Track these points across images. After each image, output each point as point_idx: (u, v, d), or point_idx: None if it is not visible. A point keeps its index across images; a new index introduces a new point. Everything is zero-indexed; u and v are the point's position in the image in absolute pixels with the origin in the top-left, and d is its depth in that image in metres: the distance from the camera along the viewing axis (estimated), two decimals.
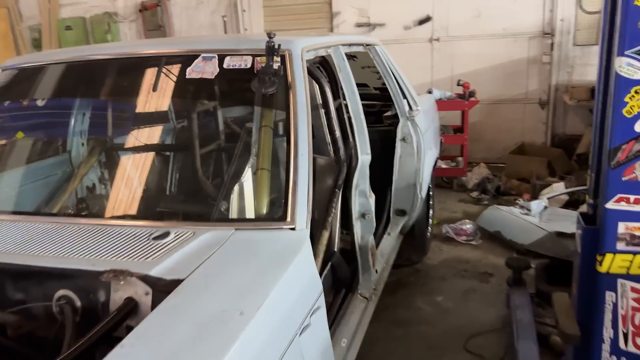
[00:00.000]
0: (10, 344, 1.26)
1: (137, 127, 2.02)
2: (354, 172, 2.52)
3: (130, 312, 1.23)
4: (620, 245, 1.62)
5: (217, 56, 1.94)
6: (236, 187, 1.62)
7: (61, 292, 1.31)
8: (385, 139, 3.42)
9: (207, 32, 6.91)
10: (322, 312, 1.46)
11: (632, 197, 1.57)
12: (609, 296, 1.69)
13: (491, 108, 6.13)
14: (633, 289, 1.65)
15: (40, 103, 1.94)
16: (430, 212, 4.10)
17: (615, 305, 1.68)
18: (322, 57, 2.46)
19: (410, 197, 3.35)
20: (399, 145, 3.36)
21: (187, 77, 1.91)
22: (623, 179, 1.57)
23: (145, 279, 1.27)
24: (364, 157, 2.56)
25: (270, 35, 1.84)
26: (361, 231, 2.59)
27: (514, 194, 5.21)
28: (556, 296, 1.97)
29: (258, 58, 1.90)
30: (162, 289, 1.24)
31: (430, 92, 5.31)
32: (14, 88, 2.16)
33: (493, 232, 4.26)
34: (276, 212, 1.58)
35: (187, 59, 1.95)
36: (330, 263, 2.45)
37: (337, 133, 2.41)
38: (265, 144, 1.76)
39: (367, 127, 3.82)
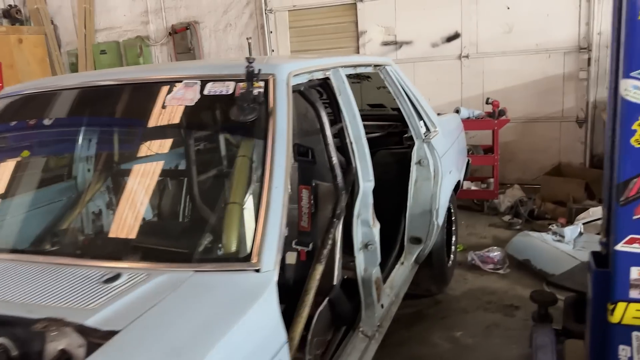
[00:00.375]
0: None
1: (103, 160, 1.96)
2: (356, 200, 2.38)
3: None
4: (634, 293, 1.40)
5: (199, 82, 1.86)
6: (201, 224, 1.50)
7: None
8: (402, 162, 3.26)
9: (235, 54, 6.95)
10: None
11: None
12: (623, 350, 1.47)
13: (525, 127, 5.85)
14: None
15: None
16: (453, 238, 3.88)
17: None
18: (323, 79, 2.35)
19: (426, 224, 3.16)
20: (414, 169, 3.19)
21: (166, 104, 1.83)
22: (634, 217, 1.37)
23: (81, 330, 1.17)
24: (366, 184, 2.42)
25: (249, 60, 1.74)
26: (364, 263, 2.43)
27: (549, 218, 4.90)
28: (569, 344, 1.75)
29: (240, 84, 1.81)
30: (96, 341, 1.14)
31: (457, 111, 5.11)
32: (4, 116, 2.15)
33: (522, 261, 3.99)
34: (242, 252, 1.46)
35: (169, 86, 1.88)
36: (327, 298, 2.30)
37: (334, 159, 2.27)
38: (240, 175, 1.65)
39: (387, 149, 3.72)
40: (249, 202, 1.55)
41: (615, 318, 1.45)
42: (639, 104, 1.31)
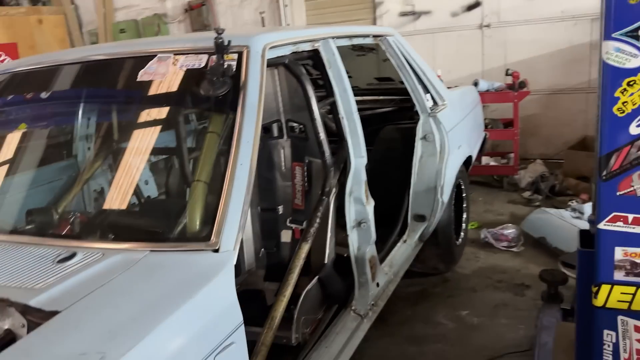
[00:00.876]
0: None
1: (71, 138, 1.94)
2: (348, 177, 2.31)
3: (7, 345, 1.12)
4: (619, 275, 1.29)
5: (172, 56, 1.81)
6: (163, 203, 1.46)
7: None
8: (409, 138, 3.15)
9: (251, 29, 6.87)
10: (237, 350, 1.27)
11: (630, 217, 1.25)
12: (608, 335, 1.37)
13: (549, 99, 5.60)
14: (637, 328, 1.32)
15: None
16: (464, 215, 3.75)
17: (616, 346, 1.35)
18: (312, 52, 2.26)
19: (430, 201, 3.06)
20: (418, 144, 3.08)
21: (138, 79, 1.78)
22: (618, 193, 1.25)
23: (24, 310, 1.15)
24: (358, 160, 2.34)
25: (218, 32, 1.67)
26: (357, 241, 2.36)
27: (571, 194, 4.71)
28: (560, 327, 1.65)
29: (213, 57, 1.74)
30: (38, 321, 1.12)
31: (476, 83, 4.92)
32: None
33: (537, 238, 3.84)
34: (201, 231, 1.41)
35: (142, 60, 1.83)
36: (317, 277, 2.25)
37: (322, 135, 2.20)
38: (207, 152, 1.60)
39: (393, 124, 3.61)
40: (213, 180, 1.50)
41: (599, 301, 1.35)
42: (621, 68, 1.18)
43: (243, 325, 1.30)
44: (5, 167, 2.01)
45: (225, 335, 1.24)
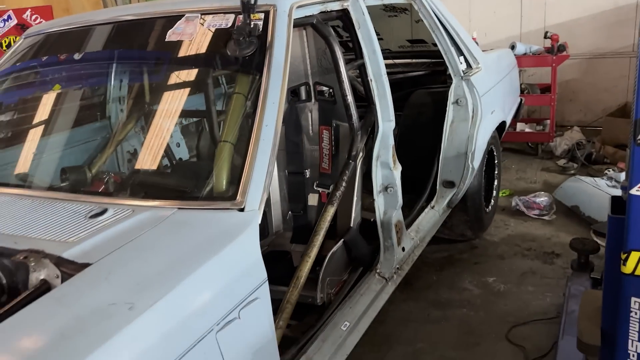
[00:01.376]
0: None
1: (106, 99, 1.97)
2: (375, 141, 2.29)
3: (43, 294, 1.17)
4: None
5: (199, 16, 1.80)
6: (191, 163, 1.49)
7: None
8: (441, 102, 3.09)
9: None
10: (261, 305, 1.31)
11: None
12: (635, 303, 1.34)
13: (590, 64, 5.37)
14: None
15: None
16: (495, 182, 3.70)
17: None
18: (341, 11, 2.22)
19: (460, 167, 3.02)
20: (450, 109, 3.02)
21: (166, 39, 1.79)
22: None
23: (58, 261, 1.20)
24: (386, 124, 2.31)
25: None
26: (384, 206, 2.36)
27: (608, 162, 4.57)
28: (586, 294, 1.63)
29: (240, 16, 1.73)
30: (71, 272, 1.17)
31: (513, 46, 4.75)
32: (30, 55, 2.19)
33: (570, 207, 3.77)
34: (227, 191, 1.44)
35: (171, 21, 1.83)
36: (342, 239, 2.27)
37: (349, 98, 2.18)
38: (233, 113, 1.60)
39: (424, 88, 3.54)
40: (239, 141, 1.51)
41: (628, 268, 1.32)
42: None
43: (267, 282, 1.33)
44: (41, 127, 2.07)
45: (249, 291, 1.27)
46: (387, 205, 2.36)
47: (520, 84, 4.60)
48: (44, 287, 1.19)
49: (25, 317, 1.03)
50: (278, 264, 2.37)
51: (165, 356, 1.05)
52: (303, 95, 2.53)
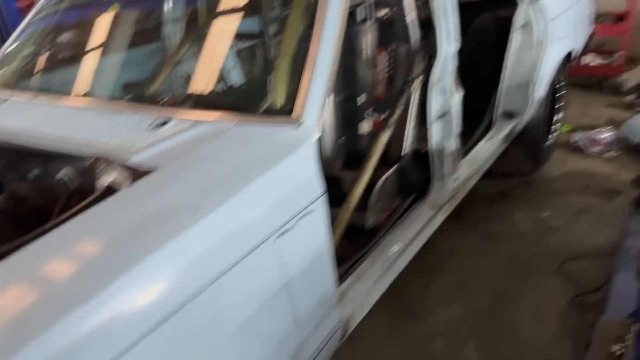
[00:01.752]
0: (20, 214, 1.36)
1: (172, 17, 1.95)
2: (434, 66, 2.20)
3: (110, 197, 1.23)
4: None
5: None
6: (250, 78, 1.48)
7: (61, 174, 1.36)
8: (506, 28, 2.92)
9: None
10: (316, 217, 1.33)
11: None
12: None
13: None
14: None
15: None
16: (556, 116, 3.53)
17: None
18: None
19: (522, 98, 2.89)
20: (515, 34, 2.86)
21: None
22: None
23: (124, 167, 1.25)
24: (450, 47, 2.20)
25: None
26: (440, 133, 2.31)
27: None
28: None
29: None
30: (136, 177, 1.22)
31: None
32: None
33: (636, 144, 3.58)
34: (285, 106, 1.43)
35: None
36: (395, 166, 2.25)
37: (409, 17, 2.08)
38: (291, 29, 1.57)
39: (490, 12, 3.32)
40: (297, 58, 1.48)
41: None
42: None
43: (325, 195, 1.35)
44: (102, 45, 2.10)
45: (307, 203, 1.30)
46: (443, 133, 2.31)
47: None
48: (111, 191, 1.24)
49: (93, 216, 1.08)
50: (329, 189, 2.39)
51: (227, 257, 1.10)
52: (361, 16, 2.43)
